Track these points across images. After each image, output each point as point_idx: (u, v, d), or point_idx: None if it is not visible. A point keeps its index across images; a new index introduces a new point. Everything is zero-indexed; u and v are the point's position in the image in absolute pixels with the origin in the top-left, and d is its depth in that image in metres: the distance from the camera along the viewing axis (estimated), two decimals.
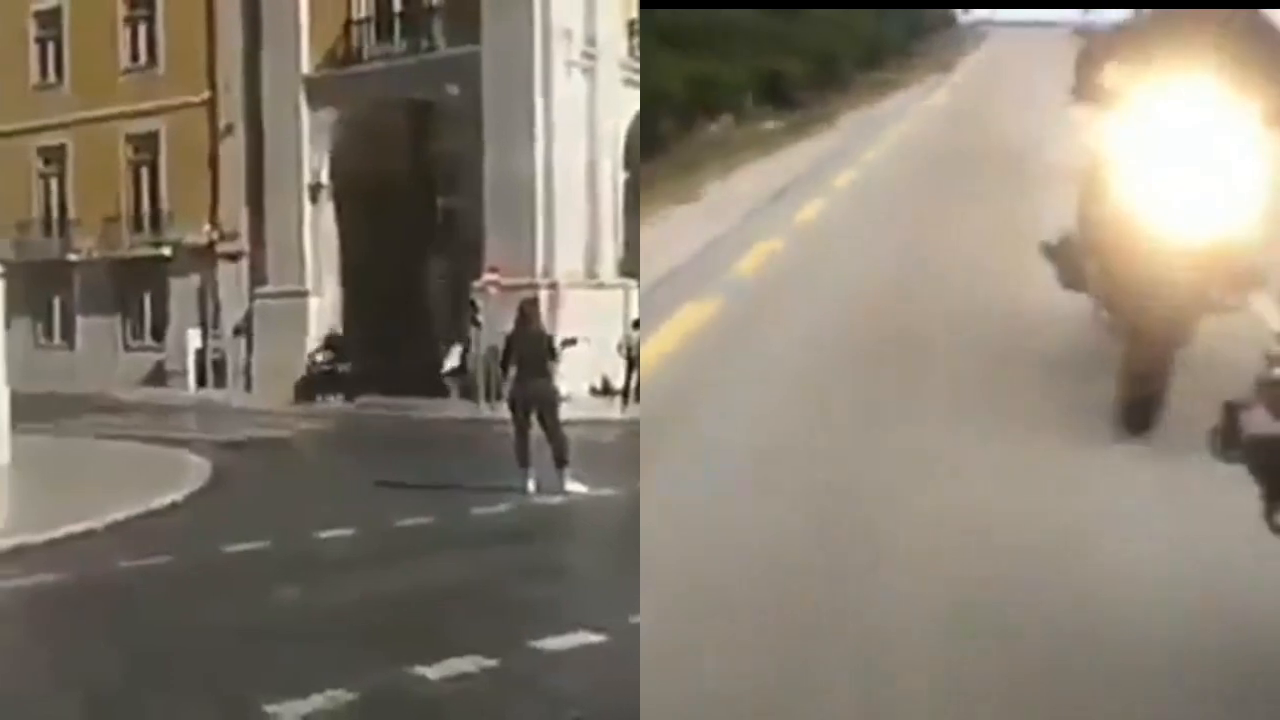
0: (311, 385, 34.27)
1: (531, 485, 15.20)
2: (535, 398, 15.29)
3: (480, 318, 29.52)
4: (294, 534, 12.71)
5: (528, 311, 15.88)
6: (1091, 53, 9.24)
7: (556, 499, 14.80)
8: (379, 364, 33.42)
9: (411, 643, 8.27)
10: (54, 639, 9.04)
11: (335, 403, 32.98)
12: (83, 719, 7.06)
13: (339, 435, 26.65)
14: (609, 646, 7.92)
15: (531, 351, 15.43)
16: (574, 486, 15.13)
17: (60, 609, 10.06)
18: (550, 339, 16.13)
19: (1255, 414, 5.35)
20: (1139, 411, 8.37)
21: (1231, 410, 5.47)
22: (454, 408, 29.77)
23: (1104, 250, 8.83)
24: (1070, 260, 10.07)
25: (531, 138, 32.19)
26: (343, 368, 34.40)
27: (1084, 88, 9.08)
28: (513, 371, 15.48)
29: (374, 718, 6.91)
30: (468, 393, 29.93)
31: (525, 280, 29.51)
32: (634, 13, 32.94)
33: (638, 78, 32.56)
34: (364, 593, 10.17)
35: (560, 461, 15.24)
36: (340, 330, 36.50)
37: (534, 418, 15.26)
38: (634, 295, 33.25)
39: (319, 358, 35.06)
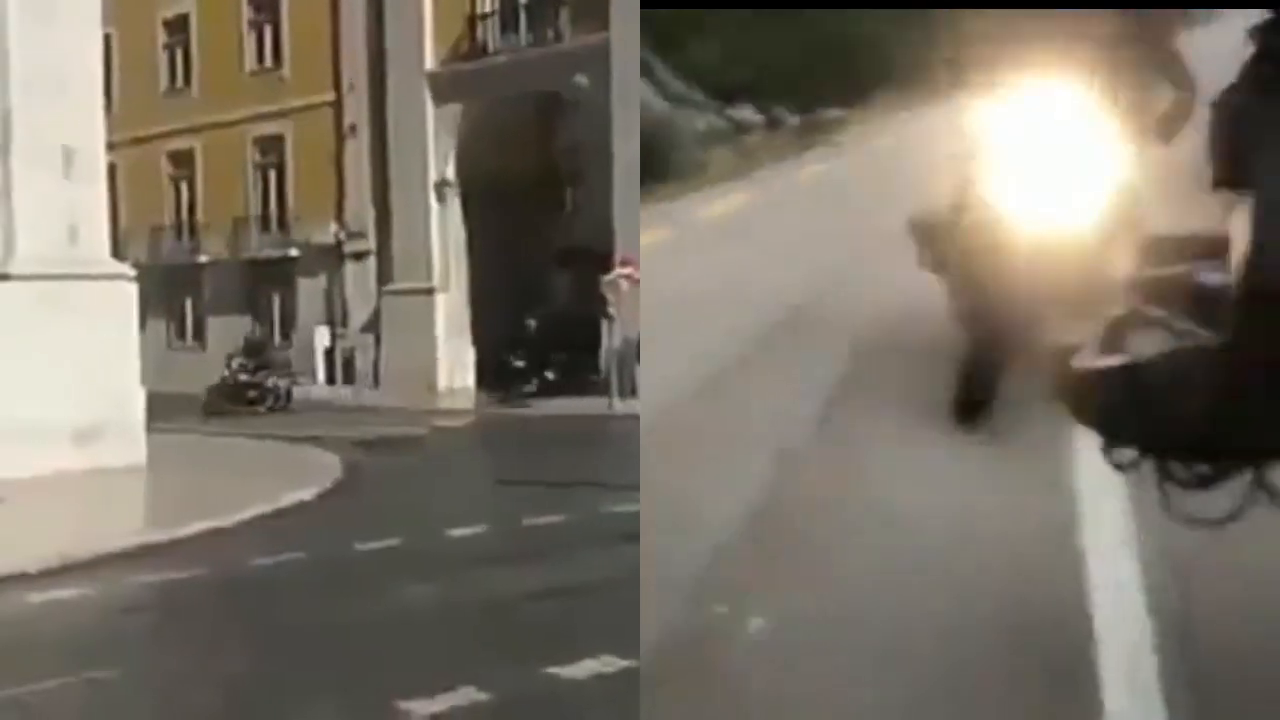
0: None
1: None
2: None
3: (612, 311, 29.18)
4: (425, 531, 12.55)
5: None
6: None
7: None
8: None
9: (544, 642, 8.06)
10: (184, 636, 8.91)
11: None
12: (214, 716, 6.87)
13: (469, 433, 26.53)
14: None
15: None
16: None
17: (191, 606, 9.95)
18: None
19: (1084, 352, 5.28)
20: (968, 408, 8.61)
21: (1061, 354, 5.39)
22: (587, 405, 29.50)
23: (964, 237, 8.93)
24: (934, 242, 10.24)
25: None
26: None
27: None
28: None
29: (505, 717, 6.63)
30: (603, 389, 29.62)
31: None
32: None
33: None
34: (495, 591, 9.95)
35: None
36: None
37: None
38: None
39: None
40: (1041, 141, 7.96)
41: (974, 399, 8.57)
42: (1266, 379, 4.52)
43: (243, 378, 32.73)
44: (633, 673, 7.17)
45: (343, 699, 7.03)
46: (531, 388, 32.08)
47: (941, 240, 9.85)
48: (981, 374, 8.54)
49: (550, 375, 32.33)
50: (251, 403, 31.89)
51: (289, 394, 33.06)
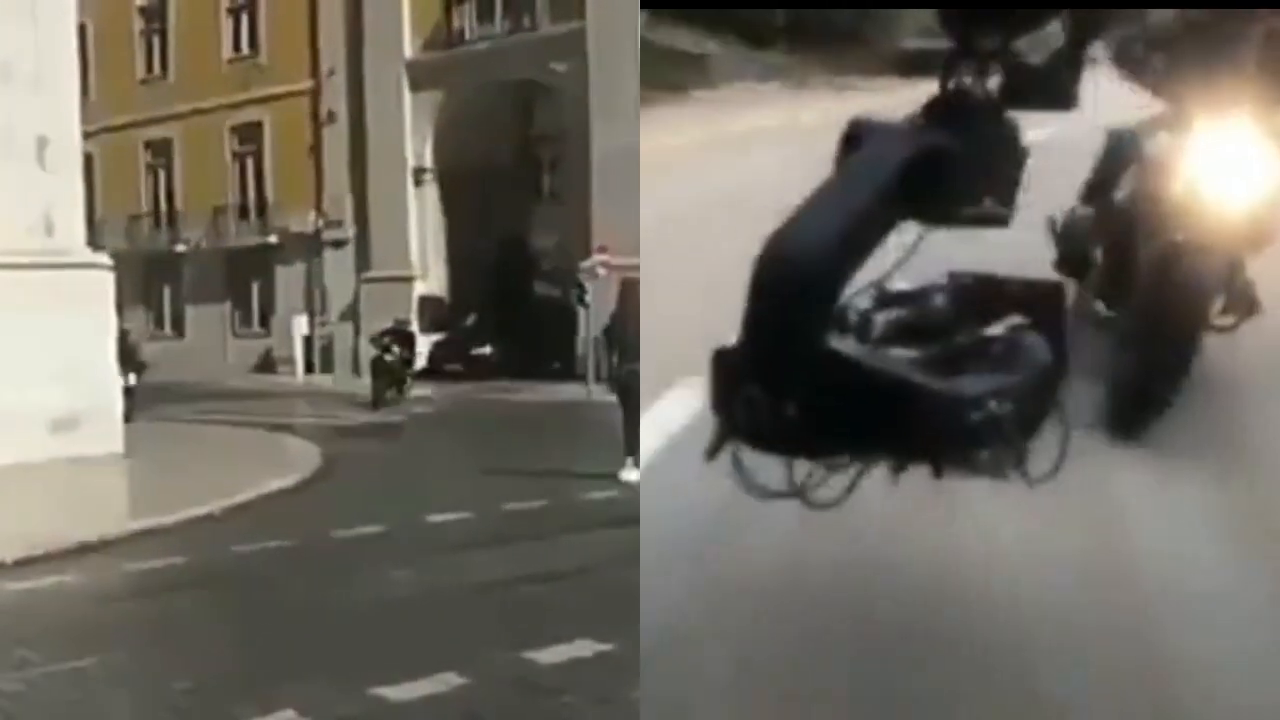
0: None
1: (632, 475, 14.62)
2: (621, 382, 14.91)
3: (588, 298, 29.20)
4: (406, 518, 12.54)
5: (627, 292, 15.42)
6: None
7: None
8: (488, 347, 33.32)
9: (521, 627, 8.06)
10: (164, 625, 8.91)
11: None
12: (196, 698, 6.88)
13: (447, 419, 26.51)
14: None
15: (626, 334, 14.97)
16: (630, 475, 14.45)
17: (173, 594, 9.94)
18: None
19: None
20: (1137, 421, 8.01)
21: None
22: (563, 391, 29.53)
23: (1119, 239, 8.66)
24: (1076, 243, 9.98)
25: (637, 114, 31.87)
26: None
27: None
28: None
29: (484, 702, 6.65)
30: (579, 376, 29.64)
31: (635, 260, 29.12)
32: None
33: None
34: (475, 577, 9.96)
35: (627, 449, 14.58)
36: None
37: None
38: None
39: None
40: (1210, 148, 7.73)
41: (1145, 411, 8.00)
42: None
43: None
44: (608, 656, 7.26)
45: (321, 684, 7.01)
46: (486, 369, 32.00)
47: (1086, 242, 9.67)
48: (1153, 383, 7.97)
49: (523, 363, 32.34)
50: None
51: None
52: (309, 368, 39.03)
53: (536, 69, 34.07)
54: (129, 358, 22.50)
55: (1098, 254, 9.61)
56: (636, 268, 26.40)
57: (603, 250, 30.24)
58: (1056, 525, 6.53)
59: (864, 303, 5.43)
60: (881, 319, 5.42)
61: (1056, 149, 8.87)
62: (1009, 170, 4.93)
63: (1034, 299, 5.57)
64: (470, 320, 35.85)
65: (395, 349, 28.94)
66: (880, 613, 5.76)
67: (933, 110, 4.91)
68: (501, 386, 30.86)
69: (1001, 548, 6.37)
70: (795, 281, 4.39)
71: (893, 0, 26.31)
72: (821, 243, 4.43)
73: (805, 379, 4.48)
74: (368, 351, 36.86)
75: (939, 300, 5.53)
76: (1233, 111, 7.71)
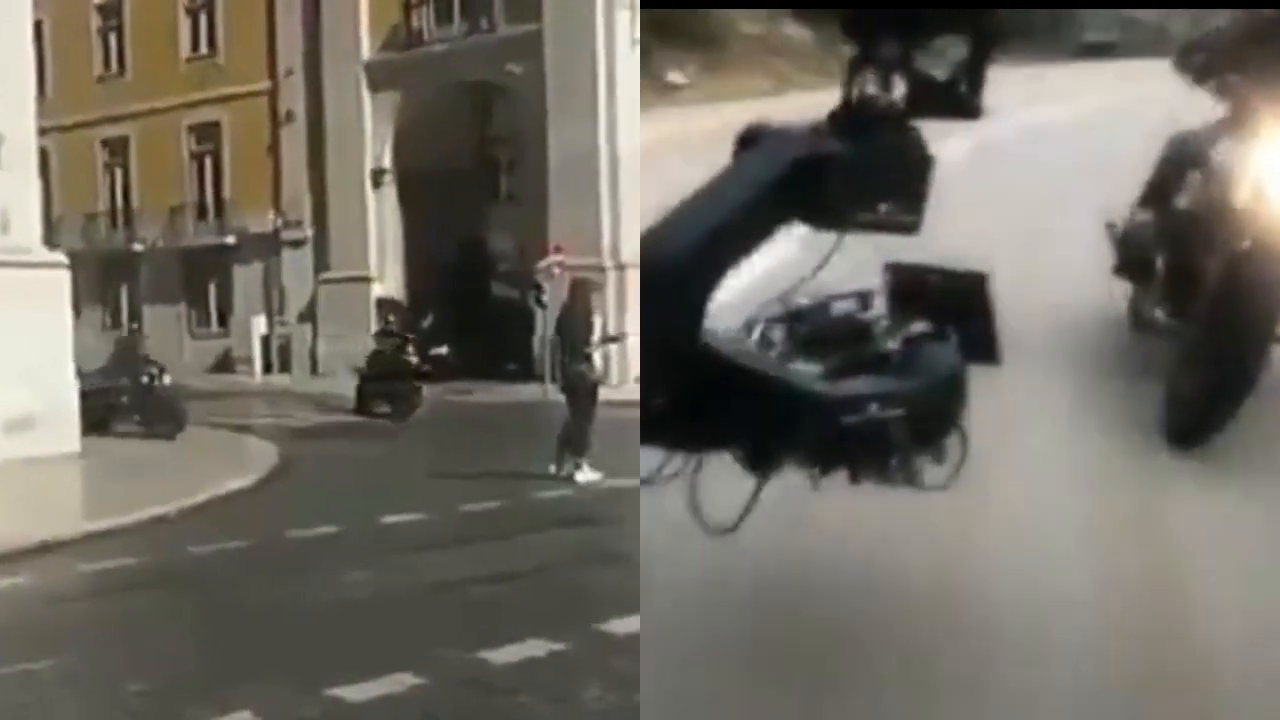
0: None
1: (587, 476, 14.75)
2: (569, 382, 15.03)
3: (545, 299, 29.20)
4: (361, 519, 12.55)
5: (577, 291, 15.50)
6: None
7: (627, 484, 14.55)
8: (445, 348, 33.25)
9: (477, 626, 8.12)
10: (119, 626, 8.91)
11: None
12: (150, 700, 6.90)
13: (404, 420, 26.41)
14: None
15: (574, 334, 15.10)
16: (585, 476, 14.62)
17: (128, 595, 9.94)
18: (590, 322, 15.59)
19: None
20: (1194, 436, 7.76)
21: None
22: (521, 392, 29.53)
23: (1182, 246, 8.47)
24: (1137, 248, 9.74)
25: (595, 115, 31.95)
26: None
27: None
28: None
29: (439, 702, 6.70)
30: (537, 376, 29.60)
31: (591, 260, 29.26)
32: None
33: None
34: (431, 577, 10.00)
35: (575, 450, 14.80)
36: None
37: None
38: None
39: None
40: (1277, 154, 7.53)
41: (1208, 424, 7.70)
42: None
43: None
44: (562, 656, 7.32)
45: (276, 685, 7.04)
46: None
47: (1148, 247, 9.44)
48: (1218, 397, 7.67)
49: (480, 364, 32.25)
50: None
51: None
52: (267, 368, 38.87)
53: (494, 71, 34.06)
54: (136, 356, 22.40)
55: (1159, 261, 9.26)
56: (592, 268, 26.49)
57: (559, 251, 30.27)
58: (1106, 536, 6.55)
59: (770, 313, 5.53)
60: (782, 331, 5.48)
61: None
62: (911, 179, 4.96)
63: (957, 291, 5.64)
64: (428, 321, 35.76)
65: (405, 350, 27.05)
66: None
67: (835, 117, 4.97)
68: (459, 387, 30.77)
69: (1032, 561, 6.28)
70: (664, 277, 4.47)
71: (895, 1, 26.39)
72: (691, 241, 4.51)
73: (677, 373, 4.56)
74: (326, 351, 36.91)
75: (848, 307, 5.56)
76: None
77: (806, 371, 5.19)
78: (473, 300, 35.55)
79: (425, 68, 35.64)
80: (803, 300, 5.49)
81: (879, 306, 5.58)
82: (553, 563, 10.43)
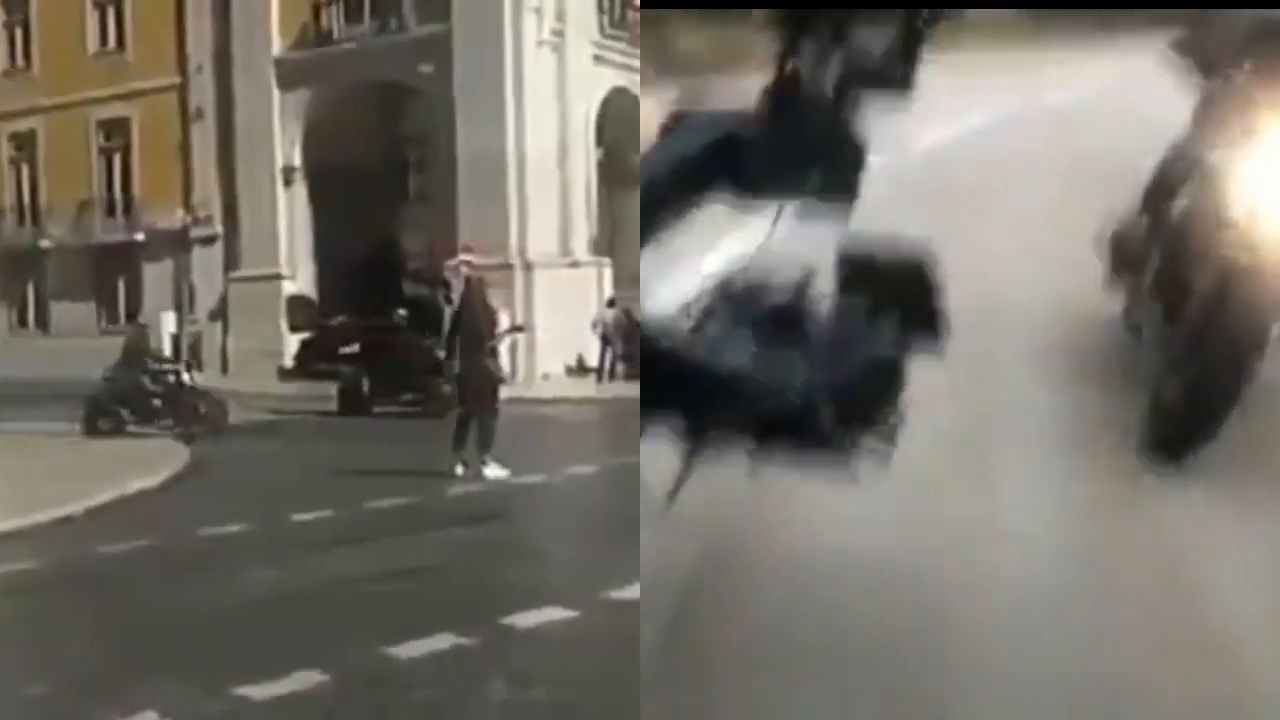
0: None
1: (495, 471, 14.85)
2: (471, 378, 15.12)
3: (453, 296, 29.24)
4: (269, 517, 12.60)
5: (474, 287, 15.64)
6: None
7: (530, 480, 14.79)
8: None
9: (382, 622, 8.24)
10: (25, 624, 8.99)
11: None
12: (54, 702, 6.99)
13: (311, 419, 26.41)
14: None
15: (473, 329, 15.21)
16: (494, 472, 14.79)
17: (34, 594, 9.98)
18: (492, 318, 15.77)
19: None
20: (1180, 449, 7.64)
21: None
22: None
23: (1175, 253, 8.30)
24: (1129, 255, 9.64)
25: (503, 116, 32.12)
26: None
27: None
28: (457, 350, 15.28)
29: (344, 698, 6.84)
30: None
31: (499, 260, 29.41)
32: None
33: (608, 55, 32.62)
34: (338, 573, 10.11)
35: (482, 447, 14.94)
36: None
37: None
38: (608, 274, 33.35)
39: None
40: (1276, 166, 7.39)
41: (1190, 438, 7.59)
42: None
43: None
44: (467, 650, 7.50)
45: (182, 684, 7.12)
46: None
47: (1139, 254, 9.29)
48: (1201, 411, 7.55)
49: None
50: None
51: None
52: None
53: (404, 70, 34.10)
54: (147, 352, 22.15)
55: (1151, 267, 8.98)
56: (504, 266, 26.63)
57: (467, 250, 30.31)
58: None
59: (707, 295, 5.47)
60: (718, 312, 5.39)
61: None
62: (840, 160, 5.07)
63: (901, 271, 5.53)
64: (338, 319, 35.65)
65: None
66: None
67: (762, 100, 5.09)
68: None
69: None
70: None
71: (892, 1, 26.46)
72: None
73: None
74: (236, 349, 36.76)
75: (785, 287, 5.44)
76: None
77: (738, 353, 5.13)
78: (383, 298, 35.50)
79: (335, 66, 35.63)
80: (740, 281, 5.43)
81: (819, 286, 5.46)
82: (459, 558, 10.59)
